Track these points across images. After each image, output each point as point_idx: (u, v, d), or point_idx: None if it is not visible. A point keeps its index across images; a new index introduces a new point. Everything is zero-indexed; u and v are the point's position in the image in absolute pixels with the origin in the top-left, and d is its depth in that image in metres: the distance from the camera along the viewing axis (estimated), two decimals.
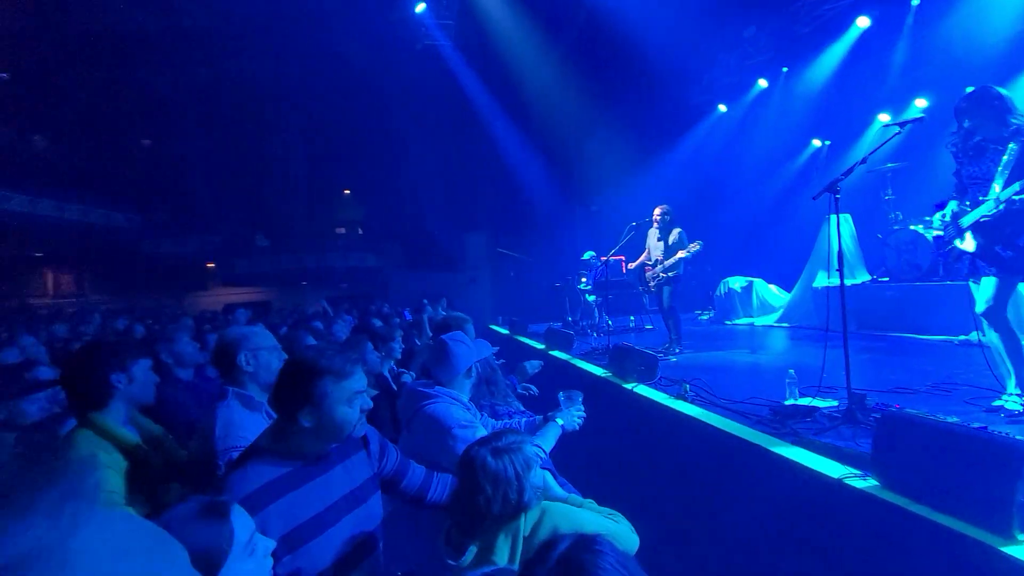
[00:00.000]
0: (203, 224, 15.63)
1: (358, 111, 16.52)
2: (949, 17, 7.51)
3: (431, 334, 4.98)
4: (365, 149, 17.13)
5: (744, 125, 11.29)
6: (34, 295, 14.39)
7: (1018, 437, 1.92)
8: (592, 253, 8.96)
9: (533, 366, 3.65)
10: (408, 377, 3.59)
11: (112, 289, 15.72)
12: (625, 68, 10.98)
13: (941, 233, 5.63)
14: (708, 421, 3.09)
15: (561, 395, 2.36)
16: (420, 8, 10.64)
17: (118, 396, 2.02)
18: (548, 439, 2.09)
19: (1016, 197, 2.68)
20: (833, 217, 2.99)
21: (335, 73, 15.79)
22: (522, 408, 2.84)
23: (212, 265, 16.09)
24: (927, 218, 6.20)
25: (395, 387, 3.51)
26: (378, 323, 4.63)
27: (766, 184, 11.28)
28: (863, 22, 8.42)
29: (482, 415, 2.32)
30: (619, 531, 1.59)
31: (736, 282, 8.43)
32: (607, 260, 7.05)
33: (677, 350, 5.73)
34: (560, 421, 2.21)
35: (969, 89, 2.95)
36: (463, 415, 2.00)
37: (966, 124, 2.92)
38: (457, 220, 15.87)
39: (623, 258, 9.87)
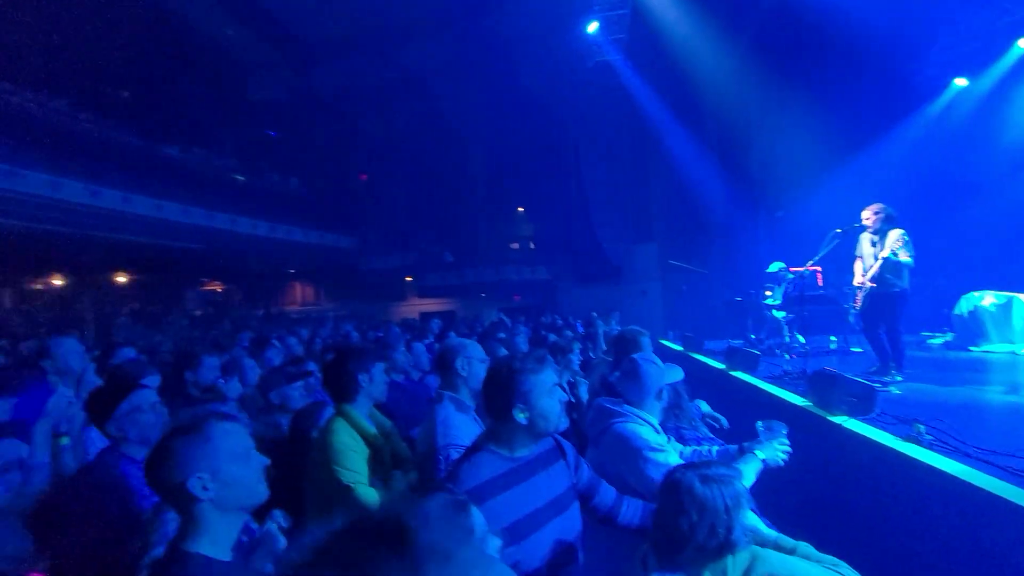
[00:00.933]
0: (403, 243, 18.23)
1: (532, 131, 17.60)
2: None
3: (605, 347, 5.02)
4: (538, 166, 18.12)
5: (994, 101, 9.01)
6: (288, 303, 18.59)
7: None
8: (781, 264, 8.00)
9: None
10: (584, 388, 3.67)
11: (339, 298, 19.45)
12: (822, 52, 9.66)
13: None
14: (964, 477, 2.49)
15: (760, 425, 2.17)
16: (593, 28, 10.89)
17: (362, 393, 2.49)
18: (748, 474, 1.92)
19: None
20: None
21: (513, 99, 17.15)
22: (710, 435, 2.69)
23: (409, 279, 18.59)
24: None
25: (573, 399, 3.61)
26: (553, 336, 4.83)
27: None
28: None
29: (670, 439, 2.26)
30: None
31: (987, 298, 6.70)
32: (801, 272, 6.26)
33: (898, 377, 4.79)
34: (761, 455, 2.01)
35: None
36: (654, 438, 1.98)
37: None
38: (627, 232, 15.70)
39: (819, 269, 8.65)
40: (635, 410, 2.07)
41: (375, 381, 2.49)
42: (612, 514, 1.77)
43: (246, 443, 1.29)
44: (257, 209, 13.68)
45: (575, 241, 16.78)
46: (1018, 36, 8.27)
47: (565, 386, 3.71)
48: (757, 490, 2.04)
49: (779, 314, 7.85)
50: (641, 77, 12.36)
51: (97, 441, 2.41)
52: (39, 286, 14.59)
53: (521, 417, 1.53)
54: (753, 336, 8.52)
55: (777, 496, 2.44)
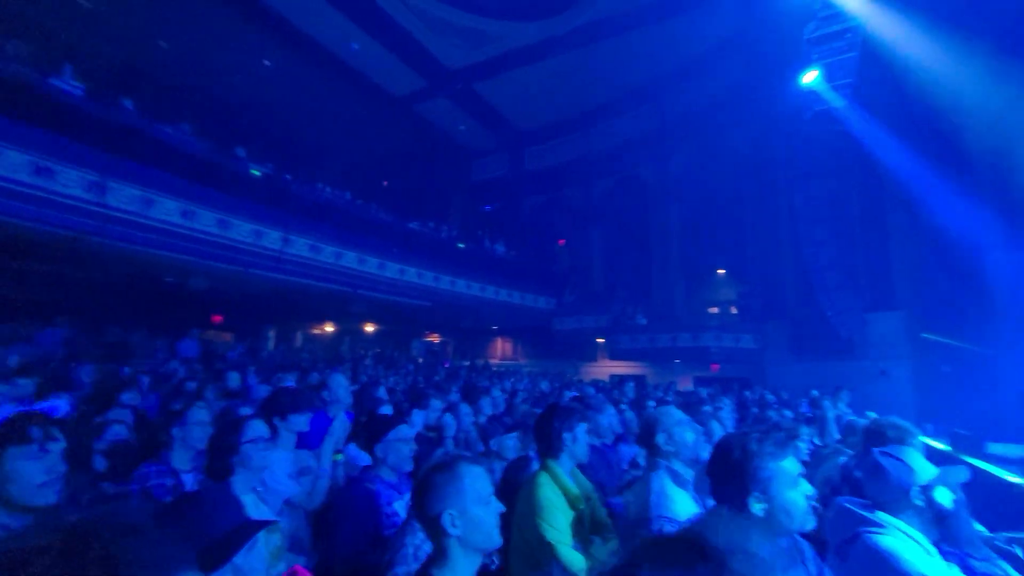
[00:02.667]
0: (597, 305, 18.57)
1: (739, 190, 16.67)
2: None
3: (838, 436, 4.22)
4: (744, 226, 16.91)
5: None
6: (489, 356, 20.40)
7: None
8: None
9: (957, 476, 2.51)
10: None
11: (533, 355, 20.58)
12: None
13: None
14: None
15: None
16: (811, 77, 10.08)
17: (566, 451, 2.57)
18: None
19: None
20: None
21: (718, 158, 16.69)
22: (1012, 573, 2.02)
23: (601, 340, 18.66)
24: None
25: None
26: (773, 414, 4.26)
27: None
28: None
29: (951, 566, 1.77)
30: None
31: None
32: None
33: None
34: None
35: None
36: (925, 563, 1.56)
37: None
38: (859, 297, 13.26)
39: None
40: (893, 520, 1.68)
41: (578, 441, 2.55)
42: None
43: (489, 487, 1.44)
44: (472, 272, 15.67)
45: (789, 307, 14.82)
46: None
47: None
48: None
49: None
50: (874, 120, 10.79)
51: (356, 458, 2.96)
52: (317, 331, 19.14)
53: (757, 508, 1.36)
54: None
55: None
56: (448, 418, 3.60)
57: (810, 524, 1.38)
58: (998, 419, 7.95)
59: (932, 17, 8.82)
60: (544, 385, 8.44)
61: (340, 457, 2.79)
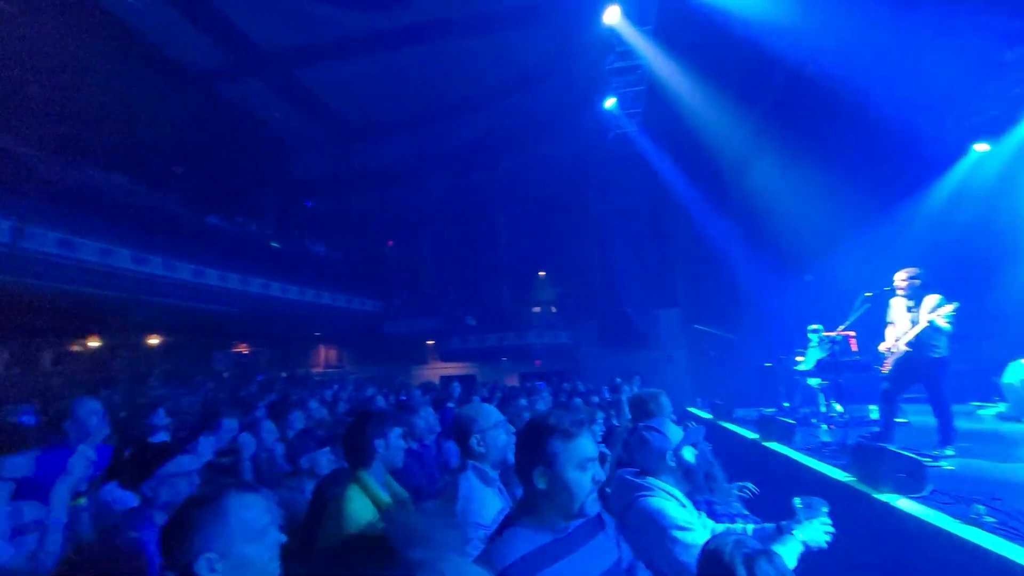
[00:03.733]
0: (427, 308, 18.53)
1: (555, 199, 18.23)
2: None
3: (629, 415, 4.85)
4: (561, 232, 18.55)
5: (1018, 165, 8.95)
6: (311, 365, 18.82)
7: None
8: (819, 326, 7.77)
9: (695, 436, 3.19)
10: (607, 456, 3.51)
11: (361, 361, 19.60)
12: (838, 119, 9.89)
13: None
14: None
15: (798, 502, 2.01)
16: (610, 103, 11.49)
17: (378, 459, 2.44)
18: (788, 557, 1.74)
19: None
20: None
21: (537, 169, 17.99)
22: (744, 511, 2.51)
23: (431, 343, 18.66)
24: None
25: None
26: (578, 401, 4.70)
27: None
28: None
29: (700, 515, 2.12)
30: None
31: None
32: (834, 336, 6.08)
33: (948, 452, 4.48)
34: (801, 536, 1.83)
35: None
36: (681, 514, 1.85)
37: None
38: (651, 297, 15.63)
39: (853, 334, 8.37)
40: (658, 482, 1.96)
41: (392, 447, 2.45)
42: None
43: (264, 518, 1.24)
44: (291, 274, 14.24)
45: (599, 305, 16.75)
46: None
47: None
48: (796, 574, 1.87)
49: (813, 381, 7.53)
50: (659, 148, 12.82)
51: (117, 501, 2.40)
52: (77, 347, 15.24)
53: (541, 483, 1.39)
54: (787, 404, 8.15)
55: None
56: (245, 438, 3.16)
57: (594, 509, 1.43)
58: (743, 389, 10.08)
59: (696, 67, 10.84)
60: (371, 391, 8.07)
61: (82, 501, 2.22)
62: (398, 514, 0.92)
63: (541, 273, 20.42)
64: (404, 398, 6.21)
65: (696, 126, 11.28)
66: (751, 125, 11.06)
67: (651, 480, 1.96)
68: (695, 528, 1.82)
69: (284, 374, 14.29)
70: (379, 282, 18.77)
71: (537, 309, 19.69)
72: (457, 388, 7.61)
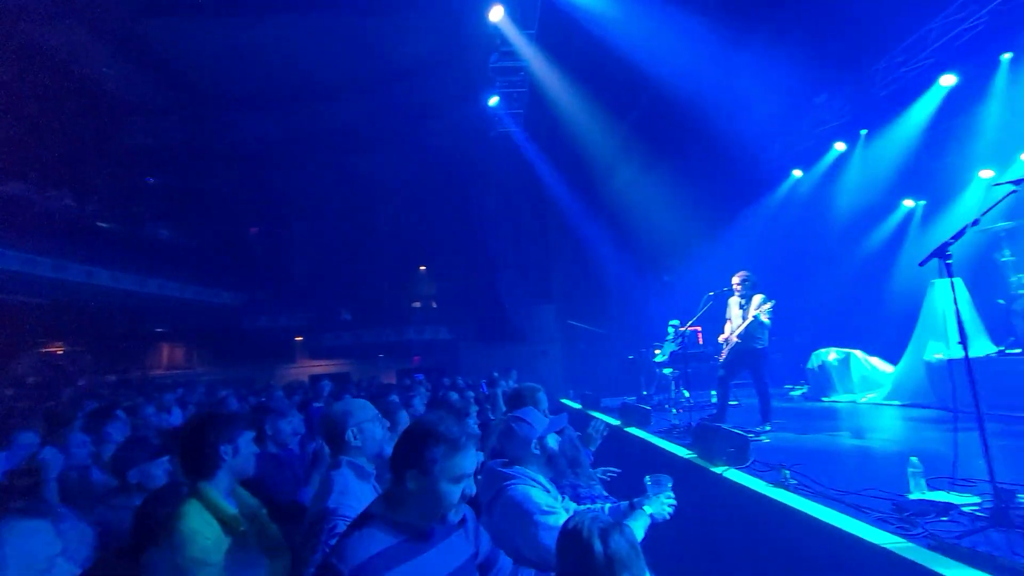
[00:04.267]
0: (296, 301, 17.11)
1: (436, 193, 17.95)
2: None
3: (504, 408, 4.96)
4: (442, 227, 18.33)
5: (824, 189, 10.88)
6: (151, 367, 16.28)
7: None
8: (676, 322, 8.66)
9: (598, 428, 3.47)
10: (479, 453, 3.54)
11: (216, 361, 17.45)
12: (693, 140, 11.15)
13: None
14: (819, 516, 2.73)
15: (648, 479, 2.21)
16: (493, 101, 11.61)
17: (224, 467, 2.16)
18: (637, 530, 1.93)
19: None
20: (943, 282, 2.72)
21: (418, 161, 17.53)
22: (604, 493, 2.68)
23: (300, 339, 17.32)
24: None
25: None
26: (454, 396, 4.68)
27: (855, 248, 10.62)
28: (948, 80, 8.08)
29: (563, 498, 2.22)
30: None
31: (830, 354, 7.73)
32: (683, 331, 6.81)
33: (767, 428, 5.28)
34: (648, 509, 2.05)
35: None
36: (544, 499, 1.92)
37: None
38: (528, 293, 16.17)
39: (699, 328, 9.48)
40: (523, 470, 2.01)
41: (241, 453, 2.19)
42: None
43: (51, 548, 1.02)
44: (124, 260, 12.15)
45: (478, 301, 16.92)
46: (835, 140, 10.21)
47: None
48: (646, 543, 2.04)
49: (667, 371, 8.40)
50: (538, 149, 13.29)
51: None
52: None
53: (412, 484, 1.38)
54: (645, 392, 8.98)
55: (665, 545, 2.46)
56: (49, 454, 2.60)
57: (456, 517, 1.44)
58: (610, 380, 10.91)
59: (574, 75, 11.44)
60: (224, 393, 7.21)
61: None
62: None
63: (422, 267, 20.09)
64: (264, 400, 5.66)
65: (572, 131, 11.89)
66: (620, 135, 11.98)
67: (518, 468, 2.01)
68: (558, 512, 1.89)
69: (113, 378, 12.20)
70: (239, 272, 16.88)
71: (417, 304, 19.33)
72: (327, 387, 7.15)
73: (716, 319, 6.13)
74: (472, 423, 3.65)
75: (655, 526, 2.10)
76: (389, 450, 2.29)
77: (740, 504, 3.42)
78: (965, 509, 2.52)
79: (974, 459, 2.50)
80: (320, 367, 16.46)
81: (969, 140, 8.55)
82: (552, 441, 2.09)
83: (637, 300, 13.25)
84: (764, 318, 5.33)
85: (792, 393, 8.37)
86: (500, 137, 12.67)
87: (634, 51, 9.43)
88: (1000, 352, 5.96)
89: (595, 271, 14.16)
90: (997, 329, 6.35)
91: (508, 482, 1.96)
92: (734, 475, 3.65)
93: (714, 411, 5.86)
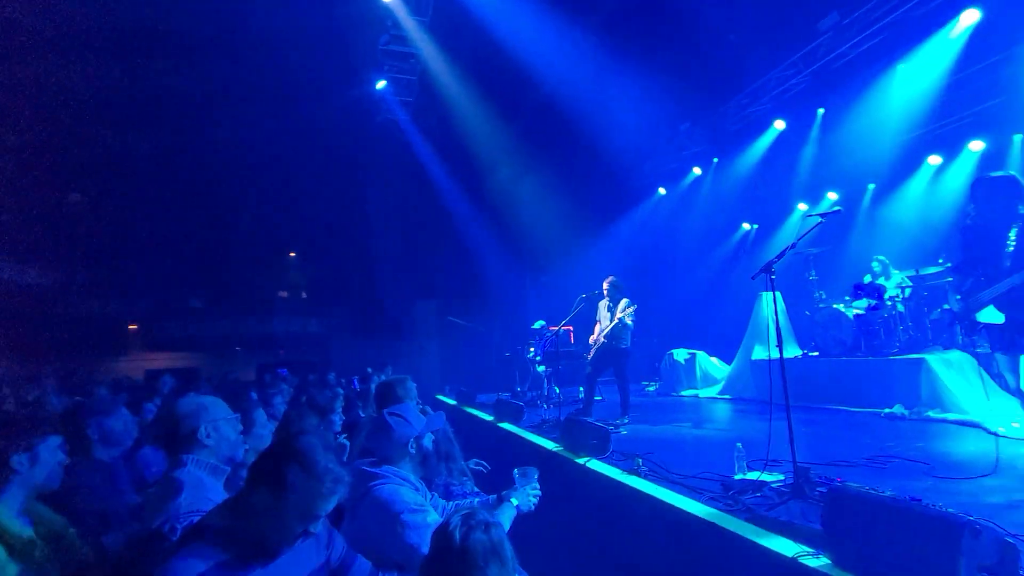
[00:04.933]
0: (130, 284, 14.64)
1: (313, 175, 16.58)
2: (850, 124, 8.70)
3: (375, 405, 4.77)
4: (317, 213, 17.01)
5: (682, 207, 12.23)
6: None
7: (951, 510, 2.03)
8: (543, 322, 9.07)
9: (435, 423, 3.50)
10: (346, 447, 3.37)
11: (16, 354, 14.21)
12: (575, 149, 11.80)
13: (861, 311, 6.13)
14: (663, 498, 3.05)
15: (516, 472, 2.27)
16: (380, 85, 11.13)
17: (16, 480, 1.78)
18: (504, 521, 1.97)
19: None
20: (768, 295, 3.19)
21: (290, 139, 16.01)
22: (477, 490, 2.70)
23: (135, 327, 14.92)
24: (846, 298, 6.80)
25: None
26: (327, 393, 4.37)
27: (704, 261, 12.10)
28: (780, 124, 9.58)
29: (433, 495, 2.18)
30: None
31: (680, 354, 8.72)
32: (557, 330, 7.16)
33: (625, 420, 5.78)
34: (515, 501, 2.11)
35: (995, 173, 3.27)
36: (413, 498, 1.86)
37: (975, 207, 3.21)
38: (409, 287, 15.78)
39: (571, 329, 10.05)
40: (392, 469, 1.94)
41: (40, 461, 1.83)
42: None
43: None
44: None
45: (353, 293, 16.10)
46: (695, 164, 11.54)
47: None
48: (516, 533, 2.10)
49: (540, 368, 8.78)
50: (426, 140, 13.04)
51: None
52: None
53: (264, 500, 1.27)
54: (519, 388, 9.29)
55: (535, 533, 2.55)
56: None
57: (315, 529, 1.35)
58: (488, 377, 11.09)
59: (465, 71, 11.42)
60: (31, 394, 5.91)
61: None
62: None
63: (292, 254, 18.53)
64: (80, 399, 4.77)
65: (461, 126, 11.87)
66: (507, 136, 12.23)
67: (388, 468, 1.93)
68: (427, 510, 1.85)
69: None
70: (52, 245, 14.00)
71: (284, 293, 17.80)
72: (168, 383, 6.29)
73: (589, 320, 6.54)
74: (337, 419, 3.45)
75: (525, 516, 2.17)
76: (241, 454, 2.08)
77: (600, 491, 3.69)
78: (774, 486, 2.99)
79: (783, 443, 2.98)
80: (162, 360, 14.35)
81: (791, 177, 10.22)
82: (427, 440, 2.06)
83: (516, 299, 13.67)
84: (628, 320, 5.82)
85: (648, 389, 9.28)
86: (386, 124, 12.18)
87: (526, 55, 9.70)
88: (804, 354, 7.22)
89: (477, 268, 14.30)
90: (802, 335, 7.70)
91: (375, 482, 1.87)
92: (595, 465, 3.92)
93: (581, 406, 6.25)
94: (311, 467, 1.30)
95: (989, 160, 7.96)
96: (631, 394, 6.07)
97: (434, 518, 1.81)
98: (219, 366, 13.89)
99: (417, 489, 1.94)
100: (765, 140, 9.99)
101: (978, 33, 6.80)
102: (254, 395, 3.88)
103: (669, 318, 11.25)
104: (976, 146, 8.03)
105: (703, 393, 8.11)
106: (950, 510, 1.98)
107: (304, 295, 17.51)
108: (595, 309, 6.29)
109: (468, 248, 14.24)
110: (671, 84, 9.46)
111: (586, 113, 10.48)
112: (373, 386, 5.26)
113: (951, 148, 8.28)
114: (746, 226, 11.92)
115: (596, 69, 9.65)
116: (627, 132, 10.78)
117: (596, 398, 7.67)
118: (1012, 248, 3.01)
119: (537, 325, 8.88)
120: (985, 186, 3.10)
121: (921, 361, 5.32)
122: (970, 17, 6.68)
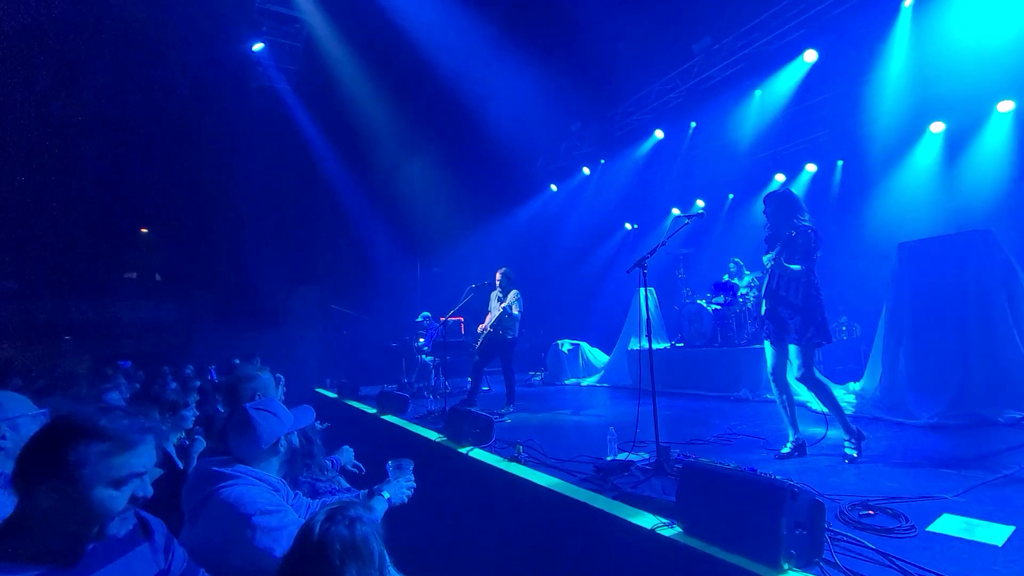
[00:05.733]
0: None
1: (171, 141, 14.47)
2: (716, 139, 9.71)
3: (221, 398, 4.28)
4: (175, 185, 14.90)
5: (571, 204, 12.76)
6: None
7: (778, 477, 2.31)
8: (427, 314, 8.91)
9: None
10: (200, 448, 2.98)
11: None
12: (470, 140, 11.68)
13: (719, 307, 6.85)
14: (538, 482, 3.12)
15: (390, 465, 2.16)
16: (258, 47, 10.07)
17: None
18: (377, 515, 1.85)
19: (770, 262, 3.41)
20: (642, 290, 3.40)
21: (144, 97, 13.80)
22: (347, 485, 2.52)
23: None
24: (708, 294, 7.59)
25: (182, 466, 2.88)
26: (174, 386, 3.82)
27: (589, 257, 12.77)
28: (659, 133, 10.38)
29: (296, 494, 1.98)
30: None
31: (564, 345, 9.10)
32: (445, 320, 7.05)
33: (510, 409, 5.87)
34: (386, 494, 2.00)
35: (777, 189, 3.69)
36: (268, 498, 1.66)
37: (767, 219, 3.64)
38: (285, 271, 14.54)
39: (462, 319, 10.01)
40: (248, 468, 1.71)
41: None
42: None
43: None
44: None
45: (219, 276, 14.46)
46: (584, 164, 12.09)
47: (172, 451, 2.91)
48: (395, 526, 1.98)
49: (427, 358, 8.62)
50: (309, 114, 12.06)
51: None
52: None
53: (46, 500, 1.02)
54: (406, 380, 9.04)
55: (417, 524, 2.45)
56: None
57: (123, 529, 1.13)
58: (372, 368, 10.63)
59: (358, 47, 10.74)
60: None
61: None
62: None
63: (144, 230, 16.09)
64: None
65: (350, 103, 11.17)
66: (400, 119, 11.77)
67: (240, 467, 1.69)
68: (284, 510, 1.66)
69: None
70: None
71: (133, 275, 15.42)
72: None
73: (479, 311, 6.52)
74: (189, 416, 3.03)
75: (405, 509, 2.07)
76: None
77: (482, 479, 3.68)
78: (639, 465, 3.20)
79: (650, 425, 3.20)
80: None
81: (667, 183, 11.15)
82: (294, 438, 1.87)
83: (404, 287, 13.28)
84: (515, 310, 5.90)
85: (534, 378, 9.56)
86: (263, 91, 11.04)
87: (423, 38, 9.39)
88: (672, 345, 7.92)
89: (364, 254, 13.63)
90: (672, 328, 8.46)
91: (222, 484, 1.63)
92: (478, 454, 3.90)
93: (467, 396, 6.23)
94: (100, 430, 1.09)
95: (819, 181, 9.41)
96: (516, 384, 6.18)
97: (293, 518, 1.63)
98: (45, 358, 11.66)
99: (278, 490, 1.73)
100: (646, 146, 10.77)
101: (815, 72, 7.95)
102: (84, 390, 3.26)
103: (555, 310, 11.72)
104: (811, 168, 9.42)
105: (585, 382, 8.56)
106: (778, 477, 2.26)
107: (157, 277, 15.32)
108: (486, 300, 6.28)
109: (354, 233, 13.50)
110: (565, 85, 9.78)
111: (481, 104, 10.44)
112: None
113: (793, 168, 9.62)
114: (628, 226, 12.78)
115: (494, 62, 9.63)
116: (521, 127, 10.94)
117: (483, 388, 7.72)
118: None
119: (420, 318, 8.70)
120: (772, 200, 3.62)
121: (762, 350, 6.09)
122: (810, 56, 7.77)
